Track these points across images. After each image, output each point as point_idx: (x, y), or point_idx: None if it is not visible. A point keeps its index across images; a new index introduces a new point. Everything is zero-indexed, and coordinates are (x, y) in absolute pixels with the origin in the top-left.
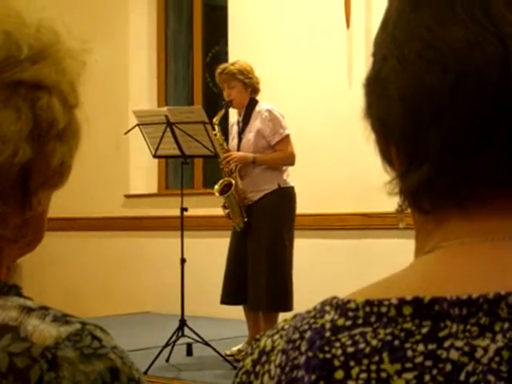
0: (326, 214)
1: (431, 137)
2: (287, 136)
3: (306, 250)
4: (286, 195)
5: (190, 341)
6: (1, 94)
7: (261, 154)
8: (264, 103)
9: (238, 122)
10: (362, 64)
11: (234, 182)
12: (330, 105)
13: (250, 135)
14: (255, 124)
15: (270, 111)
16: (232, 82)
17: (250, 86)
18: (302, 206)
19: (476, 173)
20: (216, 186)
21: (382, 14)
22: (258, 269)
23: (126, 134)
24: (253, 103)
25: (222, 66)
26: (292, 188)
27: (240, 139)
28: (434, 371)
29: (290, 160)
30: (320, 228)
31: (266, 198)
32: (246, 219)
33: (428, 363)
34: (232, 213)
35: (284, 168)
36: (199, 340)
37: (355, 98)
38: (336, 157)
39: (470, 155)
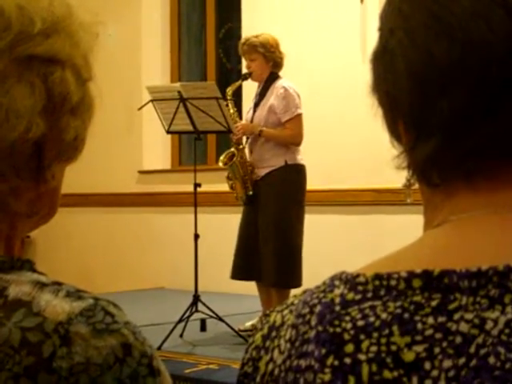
0: (338, 190)
1: (439, 108)
2: (298, 115)
3: (318, 226)
4: (293, 172)
5: (203, 316)
6: (14, 69)
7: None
8: (284, 80)
9: (256, 95)
10: (375, 39)
11: (236, 152)
12: (343, 80)
13: (263, 109)
14: (270, 99)
15: (285, 89)
16: (253, 54)
17: (270, 59)
18: (314, 182)
19: (484, 145)
20: (221, 157)
21: None
22: (266, 244)
23: (139, 109)
24: (272, 77)
25: (246, 37)
26: (301, 165)
27: (254, 112)
28: (444, 344)
29: (297, 139)
30: (332, 204)
31: (271, 174)
32: (250, 193)
33: (438, 336)
34: (235, 184)
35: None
36: (213, 315)
37: (368, 73)
38: (348, 132)
39: (478, 127)
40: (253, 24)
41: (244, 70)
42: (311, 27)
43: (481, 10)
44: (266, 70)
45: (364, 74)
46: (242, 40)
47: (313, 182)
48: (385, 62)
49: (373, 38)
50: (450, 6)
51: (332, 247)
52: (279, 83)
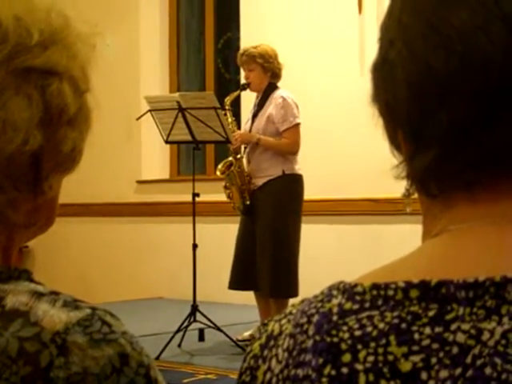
0: (336, 200)
1: (437, 119)
2: (296, 125)
3: (316, 236)
4: (291, 182)
5: (201, 326)
6: (11, 81)
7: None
8: (282, 90)
9: (255, 105)
10: (373, 50)
11: (234, 161)
12: (341, 90)
13: (261, 119)
14: (268, 109)
15: (284, 98)
16: (251, 65)
17: (269, 70)
18: (313, 192)
19: (483, 156)
20: (219, 166)
21: None
22: (262, 254)
23: (137, 119)
24: (271, 88)
25: (245, 47)
26: (299, 175)
27: (253, 122)
28: (441, 354)
29: (294, 149)
30: (330, 213)
31: (269, 184)
32: (247, 202)
33: (435, 346)
34: (232, 193)
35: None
36: (211, 325)
37: (367, 84)
38: (346, 143)
39: (477, 138)
40: (251, 34)
41: (242, 81)
42: (309, 38)
43: (480, 22)
44: (265, 80)
45: (362, 85)
46: (241, 50)
47: (310, 192)
48: (384, 73)
49: (371, 49)
50: (449, 17)
51: (330, 257)
52: (278, 93)
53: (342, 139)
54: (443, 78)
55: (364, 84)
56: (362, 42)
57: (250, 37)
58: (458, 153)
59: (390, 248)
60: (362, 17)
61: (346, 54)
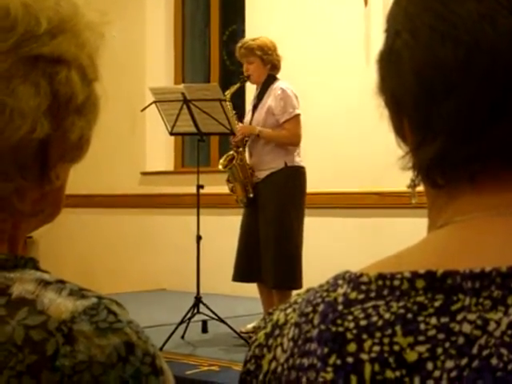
0: (340, 193)
1: (444, 110)
2: (296, 116)
3: (320, 229)
4: (294, 174)
5: (205, 318)
6: (19, 69)
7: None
8: (282, 81)
9: (255, 97)
10: (379, 42)
11: (235, 155)
12: (347, 83)
13: (261, 111)
14: (268, 101)
15: (283, 90)
16: (250, 58)
17: (268, 62)
18: (317, 185)
19: (488, 146)
20: (221, 160)
21: None
22: (266, 247)
23: (142, 111)
24: (270, 80)
25: (243, 40)
26: (301, 168)
27: (253, 114)
28: (447, 344)
29: (295, 140)
30: (334, 207)
31: (272, 176)
32: (250, 195)
33: (441, 336)
34: (235, 187)
35: (293, 147)
36: (214, 317)
37: (372, 76)
38: (350, 136)
39: (483, 128)
40: (256, 27)
41: None
42: (315, 30)
43: (486, 12)
44: (264, 72)
45: (367, 77)
46: (240, 43)
47: (314, 185)
48: (391, 63)
49: (377, 41)
50: (455, 8)
51: (334, 250)
52: (277, 85)
53: (345, 131)
54: (450, 67)
55: (369, 76)
56: (368, 35)
57: (255, 29)
58: (463, 143)
59: (394, 241)
60: (367, 9)
61: (352, 46)
